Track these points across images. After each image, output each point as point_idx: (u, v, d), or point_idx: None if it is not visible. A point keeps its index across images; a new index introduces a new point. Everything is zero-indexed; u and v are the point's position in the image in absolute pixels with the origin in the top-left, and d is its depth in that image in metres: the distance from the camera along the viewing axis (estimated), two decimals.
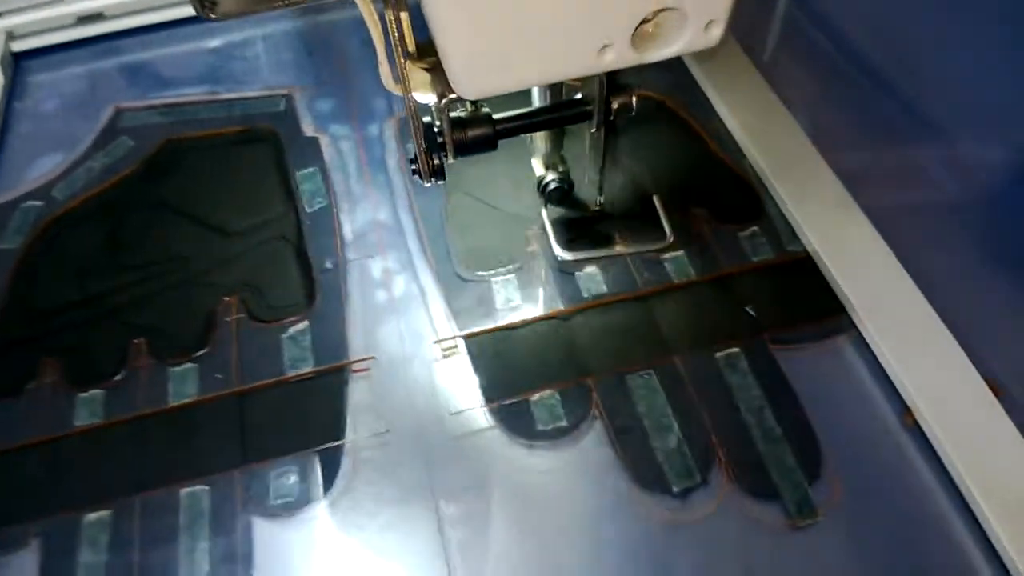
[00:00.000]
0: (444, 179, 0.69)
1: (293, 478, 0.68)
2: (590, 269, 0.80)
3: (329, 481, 0.68)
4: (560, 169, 0.81)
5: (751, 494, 0.65)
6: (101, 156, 0.95)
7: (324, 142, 0.93)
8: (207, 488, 0.68)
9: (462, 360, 0.74)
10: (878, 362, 0.71)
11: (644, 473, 0.67)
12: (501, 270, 0.80)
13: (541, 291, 0.78)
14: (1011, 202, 0.84)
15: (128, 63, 1.08)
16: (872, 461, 0.67)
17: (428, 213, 0.86)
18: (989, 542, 0.61)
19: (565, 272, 0.80)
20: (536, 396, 0.71)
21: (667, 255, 0.81)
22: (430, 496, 0.66)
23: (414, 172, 0.69)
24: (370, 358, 0.75)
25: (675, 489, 0.66)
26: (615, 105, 0.68)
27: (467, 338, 0.76)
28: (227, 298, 0.80)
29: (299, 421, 0.71)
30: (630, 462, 0.67)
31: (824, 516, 0.64)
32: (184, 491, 0.68)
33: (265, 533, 0.66)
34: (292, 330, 0.77)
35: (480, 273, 0.80)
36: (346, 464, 0.69)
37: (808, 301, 0.76)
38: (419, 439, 0.70)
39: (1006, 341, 0.73)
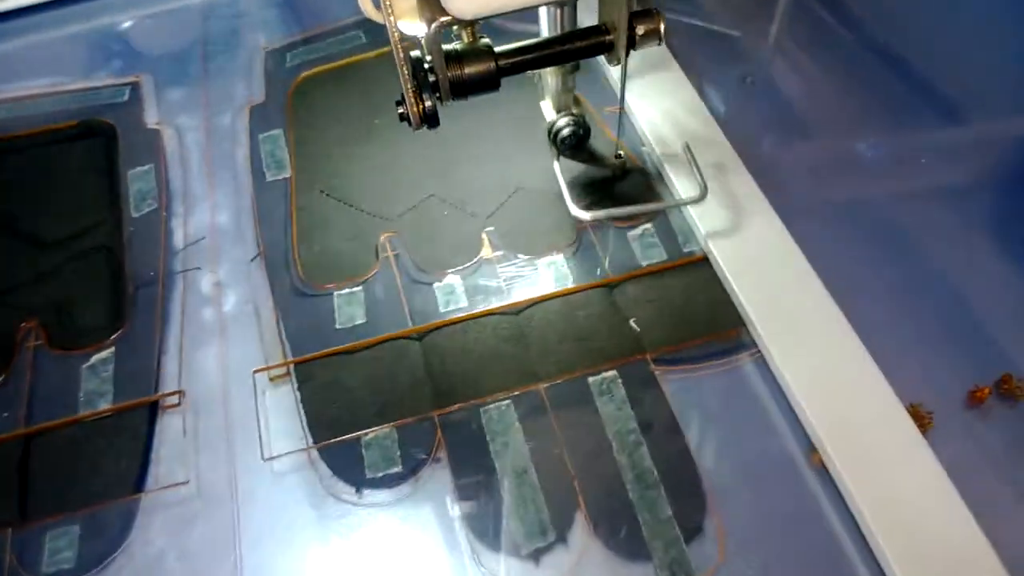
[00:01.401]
0: (437, 125, 0.57)
1: (71, 541, 0.56)
2: (451, 279, 0.68)
3: (114, 544, 0.56)
4: (575, 111, 0.69)
5: (617, 554, 0.54)
6: None
7: (167, 135, 0.81)
8: None
9: (290, 391, 0.63)
10: (781, 390, 0.60)
11: (488, 529, 0.55)
12: (347, 282, 0.68)
13: (392, 306, 0.66)
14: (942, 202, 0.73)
15: None
16: (768, 511, 0.55)
17: (273, 215, 0.74)
18: None
19: (421, 283, 0.68)
20: (370, 435, 0.60)
21: (544, 259, 0.68)
22: (231, 559, 0.55)
23: (402, 117, 0.57)
24: (177, 392, 0.63)
25: (524, 551, 0.54)
26: (640, 32, 0.56)
27: (298, 364, 0.64)
28: (26, 323, 0.68)
29: (91, 469, 0.59)
30: (472, 515, 0.56)
31: None
32: None
33: None
34: (94, 359, 0.65)
35: (322, 286, 0.68)
36: (140, 522, 0.57)
37: (702, 314, 0.64)
38: (226, 489, 0.58)
39: (937, 364, 0.61)
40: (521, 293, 0.66)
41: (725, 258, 0.65)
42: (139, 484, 0.59)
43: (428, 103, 0.56)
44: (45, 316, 0.68)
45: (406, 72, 0.54)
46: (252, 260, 0.70)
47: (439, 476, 0.57)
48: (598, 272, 0.67)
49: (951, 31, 0.87)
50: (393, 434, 0.59)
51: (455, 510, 0.56)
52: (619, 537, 0.54)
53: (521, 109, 0.78)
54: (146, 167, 0.78)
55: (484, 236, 0.70)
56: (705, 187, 0.66)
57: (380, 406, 0.61)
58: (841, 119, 0.79)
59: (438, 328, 0.65)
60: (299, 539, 0.55)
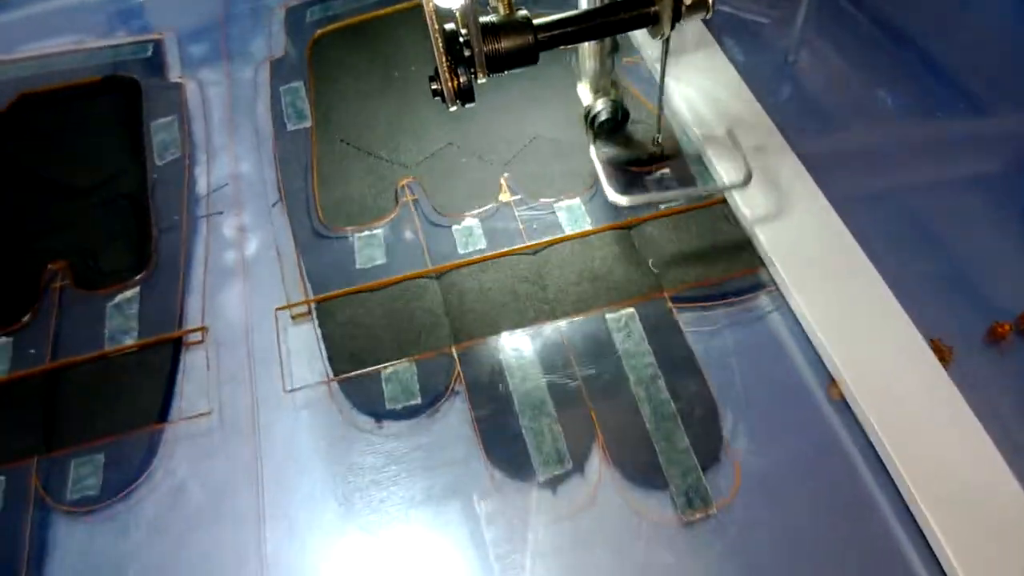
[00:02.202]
0: (473, 101, 0.54)
1: (95, 468, 0.57)
2: (470, 221, 0.68)
3: (138, 471, 0.57)
4: (612, 95, 0.67)
5: (634, 482, 0.54)
6: None
7: (189, 88, 0.82)
8: (2, 478, 0.58)
9: (311, 329, 0.63)
10: (799, 324, 0.60)
11: (507, 457, 0.55)
12: (367, 225, 0.69)
13: (411, 248, 0.67)
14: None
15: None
16: (785, 443, 0.55)
17: (293, 163, 0.74)
18: (925, 541, 0.50)
19: (440, 226, 0.68)
20: (390, 369, 0.60)
21: (562, 203, 0.69)
22: (254, 489, 0.56)
23: (435, 93, 0.54)
24: (201, 329, 0.64)
25: (540, 478, 0.54)
26: (687, 2, 0.54)
27: (319, 303, 0.64)
28: (52, 265, 0.69)
29: (114, 402, 0.60)
30: (492, 445, 0.56)
31: (719, 509, 0.52)
32: None
33: (60, 532, 0.55)
34: (119, 298, 0.66)
35: (343, 229, 0.69)
36: (163, 451, 0.58)
37: (720, 254, 0.64)
38: (248, 420, 0.59)
39: (959, 301, 0.61)
40: (538, 235, 0.66)
41: (745, 198, 0.65)
42: (162, 416, 0.60)
43: (463, 79, 0.53)
44: (71, 259, 0.69)
45: (441, 46, 0.51)
46: (273, 205, 0.71)
47: (458, 408, 0.58)
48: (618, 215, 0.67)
49: (974, 18, 0.85)
50: (412, 368, 0.60)
51: (473, 439, 0.56)
52: (635, 466, 0.54)
53: None
54: (169, 118, 0.79)
55: (502, 181, 0.70)
56: (750, 172, 0.64)
57: (399, 342, 0.61)
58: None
59: (456, 268, 0.65)
60: (320, 469, 0.56)
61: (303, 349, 0.62)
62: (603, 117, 0.68)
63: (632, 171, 0.70)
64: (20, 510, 0.56)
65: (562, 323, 0.61)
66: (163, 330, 0.64)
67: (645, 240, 0.65)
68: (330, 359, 0.61)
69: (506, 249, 0.66)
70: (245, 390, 0.60)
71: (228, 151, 0.76)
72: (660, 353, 0.59)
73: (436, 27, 0.50)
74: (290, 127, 0.77)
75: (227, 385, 0.61)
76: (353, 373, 0.60)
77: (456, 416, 0.58)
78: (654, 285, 0.62)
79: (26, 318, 0.66)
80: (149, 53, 0.86)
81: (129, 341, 0.63)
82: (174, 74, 0.84)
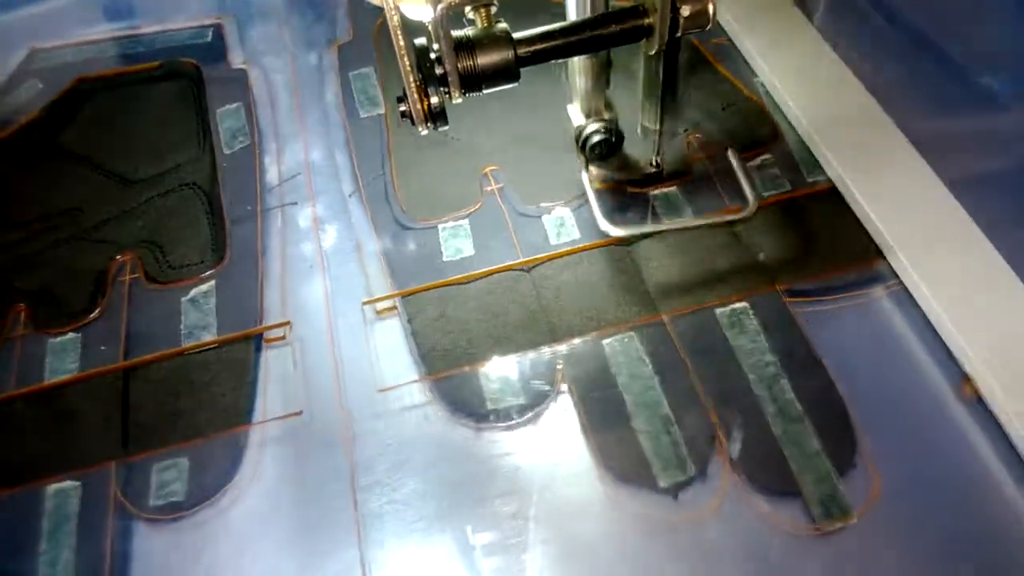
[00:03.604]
0: (445, 123, 0.50)
1: (180, 473, 0.54)
2: (560, 211, 0.64)
3: (225, 477, 0.54)
4: (606, 116, 0.62)
5: (763, 490, 0.50)
6: (7, 102, 0.81)
7: (253, 75, 0.79)
8: (77, 484, 0.54)
9: (399, 324, 0.60)
10: (926, 318, 0.56)
11: (623, 463, 0.52)
12: (452, 215, 0.65)
13: (499, 238, 0.63)
14: None
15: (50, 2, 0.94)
16: (920, 444, 0.51)
17: (368, 151, 0.71)
18: None
19: (528, 215, 0.64)
20: (487, 367, 0.56)
21: (658, 190, 0.65)
22: (348, 493, 0.52)
23: (403, 115, 0.49)
24: (285, 324, 0.60)
25: (662, 484, 0.50)
26: (685, 13, 0.49)
27: (406, 297, 0.61)
28: (120, 256, 0.65)
29: (196, 402, 0.57)
30: (605, 449, 0.52)
31: (860, 517, 0.48)
32: (52, 488, 0.54)
33: (143, 540, 0.52)
34: (194, 292, 0.63)
35: (426, 220, 0.65)
36: (249, 455, 0.55)
37: (835, 243, 0.60)
38: (339, 421, 0.55)
39: None
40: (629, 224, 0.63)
41: (859, 186, 0.61)
42: (247, 416, 0.56)
43: (435, 99, 0.48)
44: (138, 251, 0.66)
45: (408, 63, 0.46)
46: (350, 195, 0.68)
47: (564, 409, 0.54)
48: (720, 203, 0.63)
49: None
50: (512, 366, 0.56)
51: (583, 443, 0.52)
52: (763, 472, 0.50)
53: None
54: (234, 105, 0.76)
55: (590, 169, 0.66)
56: (756, 200, 0.61)
57: (495, 338, 0.58)
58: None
59: (550, 260, 0.61)
60: (418, 472, 0.53)
61: (392, 346, 0.59)
62: (595, 140, 0.62)
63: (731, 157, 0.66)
64: (100, 518, 0.53)
65: (666, 318, 0.57)
66: (243, 326, 0.60)
67: (751, 230, 0.61)
68: (422, 356, 0.57)
69: (600, 240, 0.62)
70: (334, 389, 0.57)
71: (299, 138, 0.72)
72: (779, 350, 0.55)
73: (403, 43, 0.45)
74: (362, 114, 0.74)
75: (315, 383, 0.57)
76: (449, 372, 0.56)
77: (563, 417, 0.54)
78: (765, 278, 0.58)
79: (95, 314, 0.62)
80: (208, 38, 0.83)
81: (208, 337, 0.60)
82: (236, 60, 0.80)
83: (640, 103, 0.58)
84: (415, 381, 0.56)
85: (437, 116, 0.49)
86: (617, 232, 0.60)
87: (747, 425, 0.52)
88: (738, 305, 0.57)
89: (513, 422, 0.54)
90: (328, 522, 0.51)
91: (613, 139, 0.63)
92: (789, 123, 0.68)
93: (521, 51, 0.49)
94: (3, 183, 0.73)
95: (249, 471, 0.54)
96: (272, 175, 0.70)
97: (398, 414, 0.55)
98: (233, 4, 0.86)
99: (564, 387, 0.55)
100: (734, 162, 0.64)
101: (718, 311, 0.57)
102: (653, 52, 0.52)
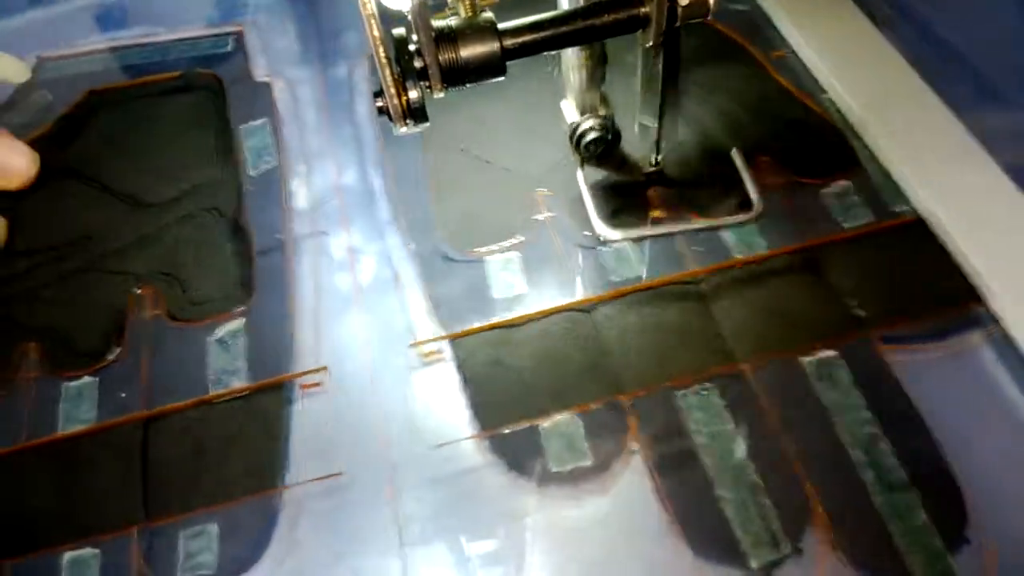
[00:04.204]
0: (425, 120, 0.47)
1: (209, 541, 0.49)
2: (620, 244, 0.59)
3: (258, 546, 0.48)
4: (601, 113, 0.59)
5: (865, 568, 0.44)
6: (12, 115, 0.75)
7: (278, 87, 0.73)
8: (96, 552, 0.49)
9: (448, 370, 0.54)
10: None
11: (706, 536, 0.46)
12: (500, 246, 0.59)
13: (554, 273, 0.58)
14: None
15: (57, 6, 0.88)
16: None
17: (405, 173, 0.65)
18: None
19: (586, 247, 0.59)
20: (549, 422, 0.51)
21: (726, 221, 0.59)
22: (398, 567, 0.47)
23: (380, 111, 0.47)
24: (321, 369, 0.55)
25: (754, 564, 0.45)
26: (683, 2, 0.46)
27: (454, 339, 0.55)
28: (139, 290, 0.60)
29: (223, 459, 0.52)
30: (685, 520, 0.47)
31: None
32: (68, 556, 0.49)
33: None
34: (221, 331, 0.57)
35: (473, 251, 0.59)
36: (283, 521, 0.49)
37: (926, 283, 0.55)
38: (386, 483, 0.50)
39: None
40: (704, 260, 0.57)
41: (952, 220, 0.55)
42: (281, 476, 0.51)
43: (414, 94, 0.45)
44: (157, 283, 0.60)
45: (384, 56, 0.44)
46: (388, 223, 0.62)
47: (636, 471, 0.49)
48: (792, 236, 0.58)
49: None
50: (576, 421, 0.51)
51: (659, 510, 0.47)
52: (864, 549, 0.45)
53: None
54: (259, 122, 0.70)
55: (650, 194, 0.61)
56: (759, 203, 0.58)
57: (556, 389, 0.52)
58: None
59: (611, 299, 0.56)
60: (474, 542, 0.47)
61: (441, 396, 0.53)
62: (590, 138, 0.58)
63: (804, 181, 0.61)
64: None
65: (745, 367, 0.52)
66: (275, 370, 0.55)
67: (831, 267, 0.56)
68: (476, 409, 0.52)
69: (666, 276, 0.56)
70: (379, 444, 0.51)
71: (330, 158, 0.67)
72: (875, 407, 0.49)
73: (378, 34, 0.42)
74: (397, 132, 0.68)
75: (356, 437, 0.52)
76: (507, 429, 0.51)
77: (635, 480, 0.48)
78: (853, 322, 0.53)
79: (113, 355, 0.57)
80: (229, 47, 0.77)
81: (237, 383, 0.54)
82: (259, 71, 0.74)
83: (638, 99, 0.54)
84: (470, 437, 0.51)
85: (416, 113, 0.46)
86: (614, 235, 0.56)
87: (844, 494, 0.47)
88: (826, 354, 0.52)
89: (579, 486, 0.48)
90: None
91: (609, 137, 0.59)
92: (866, 146, 0.62)
93: (507, 43, 0.46)
94: (7, 206, 0.67)
95: (284, 539, 0.48)
96: (301, 199, 0.64)
97: (451, 475, 0.50)
98: (255, 10, 0.80)
99: (635, 446, 0.50)
100: (738, 163, 0.60)
101: (804, 360, 0.52)
102: (650, 44, 0.48)
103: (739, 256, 0.57)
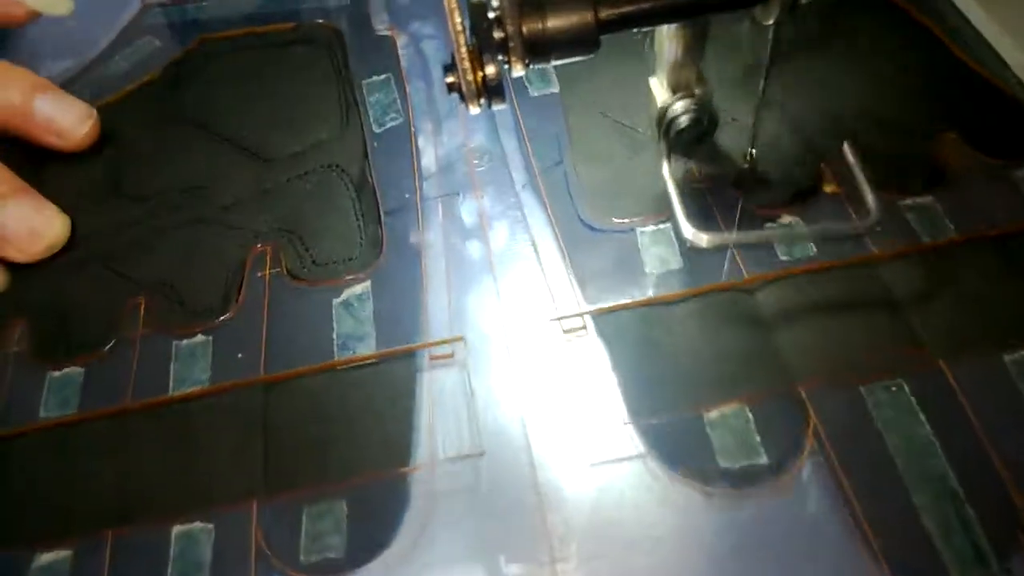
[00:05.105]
0: (503, 101, 0.41)
1: (337, 522, 0.44)
2: (789, 216, 0.53)
3: (391, 528, 0.44)
4: (697, 93, 0.50)
5: None
6: (117, 60, 0.72)
7: (401, 42, 0.69)
8: (209, 527, 0.45)
9: (594, 348, 0.49)
10: None
11: (902, 550, 0.40)
12: (651, 217, 0.54)
13: (712, 249, 0.52)
14: None
15: None
16: None
17: (542, 136, 0.60)
18: None
19: (750, 221, 0.53)
20: (715, 412, 0.45)
21: (908, 201, 0.53)
22: (546, 556, 0.42)
23: (450, 88, 0.42)
24: (456, 339, 0.50)
25: None
26: None
27: (599, 315, 0.50)
28: (260, 245, 0.56)
29: (350, 430, 0.47)
30: (878, 530, 0.41)
31: None
32: (176, 529, 0.45)
33: None
34: (347, 293, 0.53)
35: (620, 220, 0.54)
36: (417, 501, 0.45)
37: None
38: (526, 467, 0.45)
39: None
40: (882, 242, 0.51)
41: None
42: (412, 452, 0.46)
43: (490, 69, 0.40)
44: (278, 240, 0.56)
45: (459, 24, 0.38)
46: (523, 187, 0.57)
47: (818, 472, 0.43)
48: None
49: None
50: (745, 412, 0.45)
51: (846, 518, 0.41)
52: None
53: None
54: (382, 77, 0.66)
55: (823, 166, 0.55)
56: (876, 209, 0.47)
57: (718, 374, 0.47)
58: None
59: (778, 278, 0.50)
60: (633, 542, 0.42)
61: (587, 375, 0.48)
62: (683, 123, 0.50)
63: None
64: (238, 572, 0.43)
65: (939, 362, 0.46)
66: (404, 339, 0.50)
67: None
68: (626, 392, 0.47)
69: (841, 259, 0.50)
70: (519, 425, 0.46)
71: (457, 118, 0.62)
72: None
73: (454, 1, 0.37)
74: (533, 92, 0.63)
75: (493, 415, 0.47)
76: (665, 418, 0.45)
77: (818, 482, 0.43)
78: None
79: (229, 314, 0.53)
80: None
81: (364, 350, 0.50)
82: (380, 25, 0.70)
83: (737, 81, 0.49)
84: (624, 424, 0.46)
85: (493, 91, 0.40)
86: (703, 241, 0.48)
87: None
88: None
89: (753, 487, 0.43)
90: None
91: (705, 122, 0.50)
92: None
93: (603, 14, 0.40)
94: (114, 153, 0.64)
95: (416, 523, 0.44)
96: (428, 159, 0.60)
97: (602, 465, 0.45)
98: None
99: (813, 444, 0.44)
100: (850, 160, 0.50)
101: (1007, 358, 0.45)
102: (771, 22, 0.41)
103: (927, 240, 0.51)
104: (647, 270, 0.51)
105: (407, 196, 0.57)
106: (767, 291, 0.50)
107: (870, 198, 0.49)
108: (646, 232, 0.53)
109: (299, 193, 0.59)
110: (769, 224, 0.53)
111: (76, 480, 0.47)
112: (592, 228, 0.54)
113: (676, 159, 0.53)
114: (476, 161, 0.59)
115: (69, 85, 0.69)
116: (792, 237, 0.52)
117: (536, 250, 0.54)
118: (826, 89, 0.59)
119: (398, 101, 0.63)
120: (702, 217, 0.53)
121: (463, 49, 0.39)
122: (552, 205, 0.56)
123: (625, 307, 0.50)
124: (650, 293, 0.50)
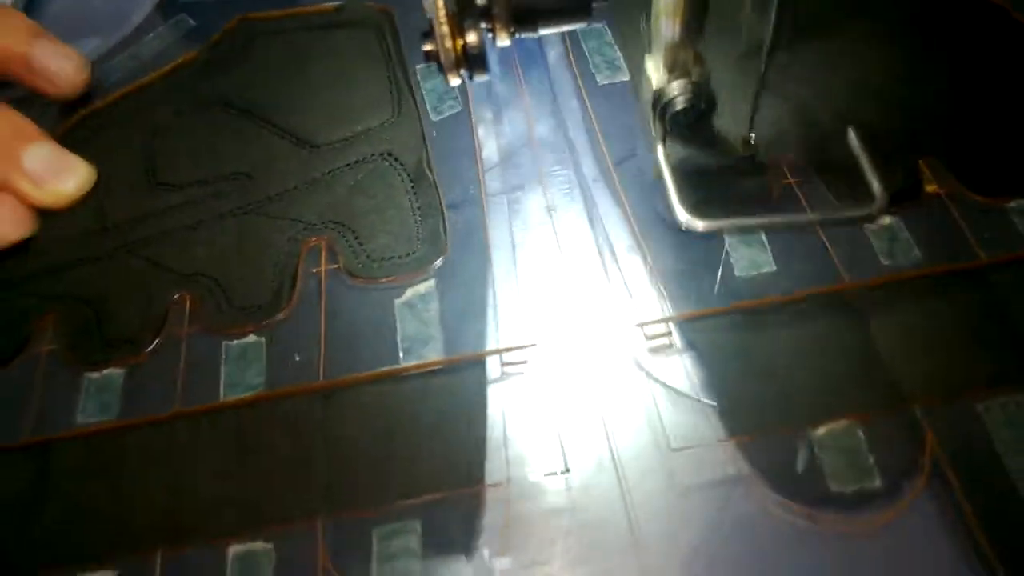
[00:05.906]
0: (484, 71, 0.39)
1: (411, 542, 0.40)
2: (890, 218, 0.49)
3: (470, 550, 0.40)
4: (693, 75, 0.47)
5: None
6: (151, 40, 0.68)
7: None
8: (269, 547, 0.41)
9: (682, 357, 0.45)
10: None
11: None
12: (739, 217, 0.50)
13: (807, 250, 0.48)
14: None
15: None
16: None
17: (613, 127, 0.56)
18: None
19: (844, 222, 0.49)
20: (822, 429, 0.42)
21: (1012, 204, 0.49)
22: None
23: (427, 57, 0.40)
24: (530, 346, 0.46)
25: None
26: None
27: (686, 321, 0.46)
28: (314, 238, 0.52)
29: (419, 443, 0.44)
30: (1006, 560, 0.37)
31: None
32: (234, 549, 0.41)
33: None
34: (410, 293, 0.49)
35: (706, 221, 0.50)
36: (494, 517, 0.41)
37: None
38: (618, 489, 0.41)
39: None
40: (990, 247, 0.47)
41: None
42: (484, 467, 0.42)
43: (472, 37, 0.38)
44: (331, 233, 0.52)
45: None
46: (594, 181, 0.53)
47: (938, 497, 0.39)
48: None
49: None
50: (855, 431, 0.41)
51: (968, 547, 0.38)
52: None
53: None
54: None
55: (921, 165, 0.51)
56: (883, 196, 0.46)
57: (823, 389, 0.43)
58: None
59: (881, 285, 0.46)
60: (738, 572, 0.38)
61: (675, 386, 0.44)
62: (679, 106, 0.47)
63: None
64: None
65: None
66: (472, 343, 0.47)
67: None
68: (721, 407, 0.43)
69: (950, 263, 0.47)
70: (600, 439, 0.43)
71: (519, 106, 0.58)
72: None
73: None
74: (601, 80, 0.59)
75: (573, 428, 0.43)
76: (766, 435, 0.42)
77: (938, 509, 0.39)
78: None
79: (283, 313, 0.49)
80: None
81: (433, 355, 0.46)
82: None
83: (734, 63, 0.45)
84: (720, 441, 0.42)
85: (473, 61, 0.38)
86: (700, 225, 0.47)
87: None
88: None
89: (867, 512, 0.39)
90: None
91: (702, 104, 0.47)
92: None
93: None
94: (151, 138, 0.60)
95: (497, 545, 0.40)
96: (490, 150, 0.56)
97: (696, 486, 0.41)
98: None
99: (929, 467, 0.40)
100: (854, 145, 0.49)
101: None
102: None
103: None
104: (738, 273, 0.48)
105: (471, 190, 0.53)
106: (870, 298, 0.46)
107: (875, 185, 0.47)
108: (735, 233, 0.49)
109: (351, 183, 0.55)
110: (868, 226, 0.48)
111: (121, 494, 0.43)
112: (676, 227, 0.50)
113: (672, 142, 0.50)
114: (541, 152, 0.55)
115: (98, 65, 0.65)
116: (792, 224, 0.48)
117: (613, 249, 0.50)
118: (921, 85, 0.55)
119: (454, 88, 0.59)
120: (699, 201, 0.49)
121: (441, 14, 0.37)
122: (629, 201, 0.52)
123: (715, 314, 0.46)
124: (742, 299, 0.46)
